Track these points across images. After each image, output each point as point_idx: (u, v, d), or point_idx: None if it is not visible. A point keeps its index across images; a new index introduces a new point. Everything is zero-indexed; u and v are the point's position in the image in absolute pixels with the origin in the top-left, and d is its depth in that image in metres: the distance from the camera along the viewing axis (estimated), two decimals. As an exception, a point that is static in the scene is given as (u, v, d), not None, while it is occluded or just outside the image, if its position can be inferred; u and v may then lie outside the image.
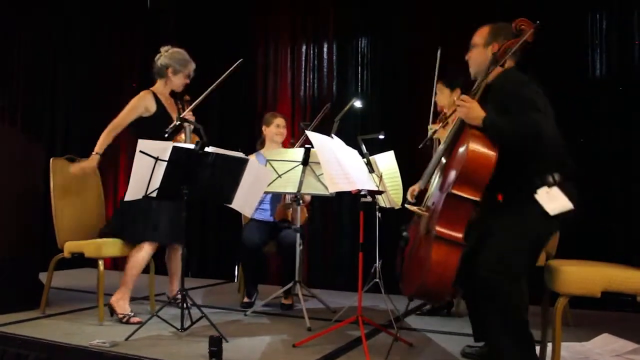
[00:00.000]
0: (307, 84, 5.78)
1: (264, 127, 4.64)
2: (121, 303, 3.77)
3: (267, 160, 3.94)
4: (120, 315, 3.72)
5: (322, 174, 3.78)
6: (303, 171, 3.92)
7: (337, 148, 3.36)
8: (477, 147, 2.44)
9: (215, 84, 3.74)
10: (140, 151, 3.21)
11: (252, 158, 4.45)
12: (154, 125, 3.83)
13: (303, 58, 5.80)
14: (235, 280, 5.60)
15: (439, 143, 3.47)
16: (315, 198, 4.74)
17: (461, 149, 2.52)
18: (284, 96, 5.84)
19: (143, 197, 3.29)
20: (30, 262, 4.19)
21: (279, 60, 5.94)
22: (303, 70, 5.79)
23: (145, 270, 3.90)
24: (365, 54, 5.56)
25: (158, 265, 4.16)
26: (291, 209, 4.31)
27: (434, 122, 3.91)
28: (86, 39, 6.76)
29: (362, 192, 3.39)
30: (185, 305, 3.37)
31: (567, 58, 4.57)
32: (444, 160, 2.74)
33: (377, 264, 4.23)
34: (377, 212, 4.13)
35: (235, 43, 5.92)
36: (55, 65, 6.82)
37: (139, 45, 6.59)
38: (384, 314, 3.95)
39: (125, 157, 6.19)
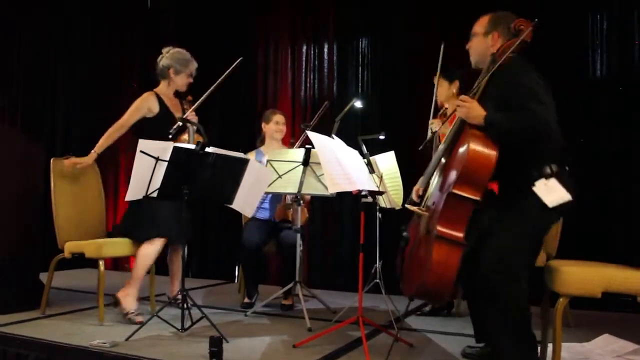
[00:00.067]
0: (308, 84, 5.78)
1: (263, 124, 4.64)
2: (129, 299, 3.77)
3: (268, 161, 3.95)
4: (124, 311, 3.72)
5: (322, 174, 3.78)
6: (303, 171, 3.91)
7: (337, 148, 3.36)
8: (478, 147, 2.45)
9: (216, 83, 3.74)
10: (141, 151, 3.21)
11: (251, 155, 4.49)
12: (157, 126, 3.88)
13: (303, 58, 5.80)
14: (236, 281, 5.60)
15: (439, 140, 3.47)
16: (315, 198, 4.74)
17: (462, 149, 2.52)
18: (284, 96, 5.84)
19: (143, 197, 3.29)
20: (30, 262, 4.19)
21: (279, 60, 5.94)
22: (303, 70, 5.79)
23: (146, 270, 3.90)
24: (366, 54, 5.56)
25: (159, 265, 4.16)
26: (291, 209, 4.31)
27: (434, 117, 3.90)
28: (86, 39, 6.76)
29: (363, 193, 3.39)
30: (185, 305, 3.37)
31: (567, 58, 4.57)
32: (443, 160, 2.74)
33: (378, 264, 4.23)
34: (377, 213, 4.13)
35: (236, 43, 5.92)
36: (55, 65, 6.82)
37: (139, 45, 6.59)
38: (384, 315, 3.95)
39: (126, 157, 6.19)
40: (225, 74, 3.74)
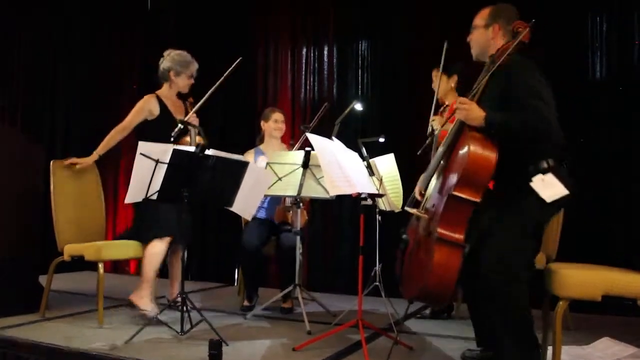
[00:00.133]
0: (308, 86, 5.77)
1: (262, 122, 4.64)
2: (144, 300, 3.78)
3: (268, 163, 3.94)
4: (143, 311, 3.73)
5: (322, 176, 3.77)
6: (303, 174, 3.91)
7: (337, 151, 3.35)
8: (478, 149, 2.45)
9: (216, 85, 3.74)
10: (141, 153, 3.21)
11: (250, 153, 4.48)
12: (158, 129, 3.91)
13: (303, 60, 5.80)
14: (235, 284, 5.60)
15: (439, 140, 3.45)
16: (315, 200, 4.74)
17: (461, 151, 2.52)
18: (284, 98, 5.84)
19: (143, 199, 3.29)
20: (30, 265, 4.18)
21: (279, 61, 5.94)
22: (303, 72, 5.79)
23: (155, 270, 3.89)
24: (366, 56, 5.56)
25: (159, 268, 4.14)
26: (291, 212, 4.30)
27: (435, 114, 3.88)
28: (86, 39, 6.76)
29: (363, 195, 3.38)
30: (185, 308, 3.37)
31: (567, 59, 4.57)
32: (442, 162, 2.74)
33: (377, 267, 4.22)
34: (377, 215, 4.12)
35: (236, 44, 5.92)
36: (55, 65, 6.82)
37: (139, 45, 6.60)
38: (384, 318, 3.94)
39: (126, 160, 6.18)
40: (225, 74, 3.74)
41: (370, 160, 3.81)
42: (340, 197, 3.95)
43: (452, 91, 4.05)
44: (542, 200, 2.46)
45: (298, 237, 3.99)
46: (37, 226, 4.32)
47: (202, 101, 3.81)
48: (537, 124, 2.41)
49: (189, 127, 3.79)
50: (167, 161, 3.24)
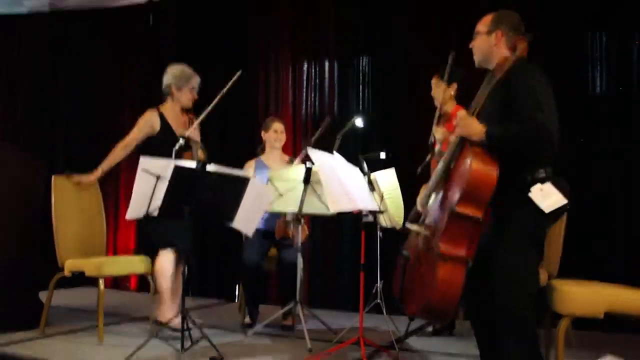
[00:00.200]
0: (309, 102, 5.79)
1: (263, 133, 4.63)
2: (167, 315, 3.80)
3: (269, 179, 3.94)
4: (168, 326, 3.73)
5: (323, 193, 3.77)
6: (304, 190, 3.91)
7: (338, 166, 3.35)
8: (480, 165, 2.44)
9: (217, 99, 3.77)
10: (142, 169, 3.21)
11: (251, 163, 4.48)
12: (159, 144, 3.95)
13: (304, 76, 5.82)
14: (236, 300, 5.57)
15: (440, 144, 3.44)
16: (316, 217, 4.73)
17: (463, 167, 2.52)
18: (285, 113, 5.82)
19: (144, 215, 3.29)
20: (30, 281, 4.16)
21: (281, 77, 5.95)
22: (304, 88, 5.81)
23: (145, 289, 3.89)
24: (367, 72, 5.58)
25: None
26: (291, 226, 4.28)
27: (437, 125, 3.87)
28: (87, 54, 6.79)
29: (364, 212, 3.38)
30: (185, 325, 3.35)
31: (567, 74, 4.59)
32: (443, 177, 2.73)
33: (379, 284, 4.21)
34: (378, 232, 4.12)
35: (237, 60, 5.91)
36: (56, 81, 6.86)
37: (140, 64, 6.60)
38: (385, 335, 3.92)
39: (126, 175, 6.19)
40: (226, 88, 3.76)
41: (371, 175, 3.80)
42: (341, 214, 3.95)
43: (451, 99, 4.05)
44: (541, 211, 2.45)
45: (299, 254, 3.98)
46: (38, 244, 4.31)
47: (202, 115, 3.84)
48: (538, 136, 2.40)
49: (191, 143, 3.81)
50: (169, 177, 3.24)
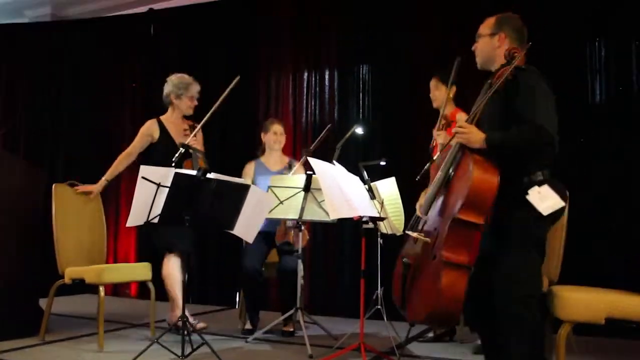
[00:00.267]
0: (309, 110, 5.80)
1: (262, 134, 4.64)
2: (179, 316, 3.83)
3: (269, 187, 3.95)
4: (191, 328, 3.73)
5: (323, 200, 3.78)
6: (305, 197, 3.92)
7: (338, 174, 3.36)
8: (481, 172, 2.46)
9: (215, 106, 3.80)
10: (143, 177, 3.22)
11: (251, 165, 4.50)
12: (158, 152, 4.04)
13: (305, 84, 5.83)
14: (237, 307, 5.56)
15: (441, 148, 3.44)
16: (316, 223, 4.73)
17: (464, 175, 2.53)
18: (286, 122, 5.79)
19: (145, 222, 3.29)
20: (30, 288, 4.17)
21: (281, 86, 5.97)
22: (305, 96, 5.82)
23: (146, 296, 3.90)
24: (367, 80, 5.60)
25: (159, 291, 4.14)
26: (292, 231, 4.28)
27: (440, 129, 3.87)
28: (88, 67, 6.81)
29: (364, 219, 3.38)
30: (186, 331, 3.35)
31: (567, 83, 4.60)
32: (443, 184, 2.73)
33: (379, 290, 4.21)
34: (378, 239, 4.12)
35: (238, 68, 5.92)
36: (59, 91, 6.88)
37: (141, 75, 6.62)
38: (385, 341, 3.91)
39: (127, 183, 6.20)
40: (225, 93, 3.79)
41: (372, 184, 3.81)
42: (341, 220, 3.96)
43: (449, 101, 4.04)
44: (538, 213, 2.46)
45: (299, 260, 3.99)
46: (38, 249, 4.32)
47: (200, 124, 3.89)
48: (538, 138, 2.42)
49: (190, 151, 3.83)
50: (169, 185, 3.25)
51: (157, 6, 6.67)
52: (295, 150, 5.64)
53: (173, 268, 4.01)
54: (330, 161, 3.66)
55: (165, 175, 3.26)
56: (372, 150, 5.31)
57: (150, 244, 4.15)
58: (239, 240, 4.33)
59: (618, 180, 4.42)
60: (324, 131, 4.34)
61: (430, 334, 4.19)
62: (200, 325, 4.02)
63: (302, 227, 4.04)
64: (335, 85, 5.71)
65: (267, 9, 6.08)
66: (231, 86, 3.79)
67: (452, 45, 4.88)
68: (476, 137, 2.52)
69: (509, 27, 2.69)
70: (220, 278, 5.98)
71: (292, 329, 4.27)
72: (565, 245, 3.15)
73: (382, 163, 4.07)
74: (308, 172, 3.91)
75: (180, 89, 4.21)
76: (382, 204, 3.73)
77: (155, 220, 3.28)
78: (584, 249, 4.12)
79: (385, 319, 3.98)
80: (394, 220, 3.88)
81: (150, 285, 4.07)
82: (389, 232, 3.86)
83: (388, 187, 3.94)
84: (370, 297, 4.18)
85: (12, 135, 6.84)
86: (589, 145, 4.54)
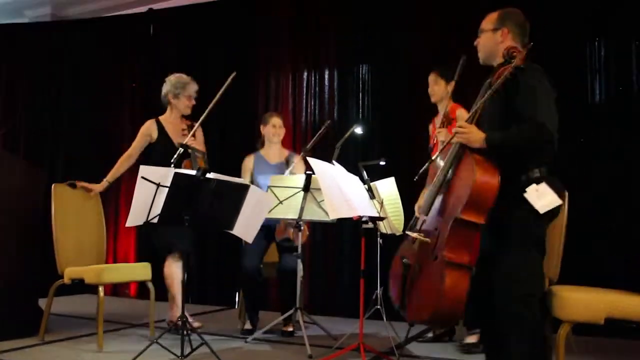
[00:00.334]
0: (309, 110, 5.80)
1: (261, 127, 4.63)
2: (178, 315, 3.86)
3: (269, 187, 3.95)
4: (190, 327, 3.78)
5: (323, 200, 3.78)
6: (304, 197, 3.92)
7: (338, 174, 3.36)
8: (483, 174, 2.46)
9: (212, 104, 3.79)
10: (142, 177, 3.22)
11: (250, 157, 4.50)
12: (157, 152, 4.08)
13: (304, 84, 5.83)
14: (236, 307, 5.56)
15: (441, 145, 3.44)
16: (316, 223, 4.73)
17: (465, 176, 2.53)
18: (285, 121, 5.77)
19: (144, 222, 3.29)
20: (30, 288, 4.17)
21: (281, 86, 5.96)
22: (304, 96, 5.82)
23: (145, 296, 3.90)
24: (366, 80, 5.60)
25: (158, 291, 4.14)
26: (292, 229, 4.28)
27: (441, 127, 3.86)
28: (87, 67, 6.81)
29: (364, 219, 3.38)
30: (185, 331, 3.35)
31: (567, 83, 4.60)
32: (443, 184, 2.73)
33: (379, 290, 4.21)
34: (378, 239, 4.12)
35: (237, 67, 5.89)
36: (59, 91, 6.88)
37: (140, 75, 6.62)
38: (385, 341, 3.91)
39: (126, 183, 6.19)
40: (221, 90, 3.79)
41: (371, 184, 3.81)
42: (341, 220, 3.96)
43: (447, 98, 4.04)
44: (536, 211, 2.46)
45: (299, 260, 3.99)
46: (38, 249, 4.32)
47: (198, 123, 3.91)
48: (538, 136, 2.42)
49: (189, 150, 3.84)
50: (168, 185, 3.24)
51: (156, 6, 6.67)
52: (295, 150, 5.63)
53: (175, 269, 4.04)
54: (329, 161, 3.66)
55: (164, 175, 3.26)
56: (371, 150, 5.31)
57: (149, 244, 4.18)
58: (238, 240, 4.33)
59: (618, 180, 4.42)
60: (323, 127, 4.33)
61: (430, 334, 4.19)
62: (196, 324, 4.04)
63: (302, 228, 4.04)
64: (334, 85, 5.70)
65: (266, 9, 6.08)
66: (227, 83, 3.79)
67: (451, 45, 4.88)
68: (476, 136, 2.52)
69: (511, 22, 2.69)
70: (220, 278, 5.98)
71: (291, 329, 4.27)
72: (565, 245, 3.15)
73: (382, 163, 4.06)
74: (307, 172, 3.91)
75: (178, 89, 4.23)
76: (381, 203, 3.73)
77: (155, 220, 3.28)
78: (584, 249, 4.12)
79: (384, 319, 3.98)
80: (394, 220, 3.88)
81: (150, 286, 4.07)
82: (389, 232, 3.86)
83: (387, 187, 3.94)
84: (369, 297, 4.18)
85: (12, 135, 6.84)
86: (589, 145, 4.55)
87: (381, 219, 3.63)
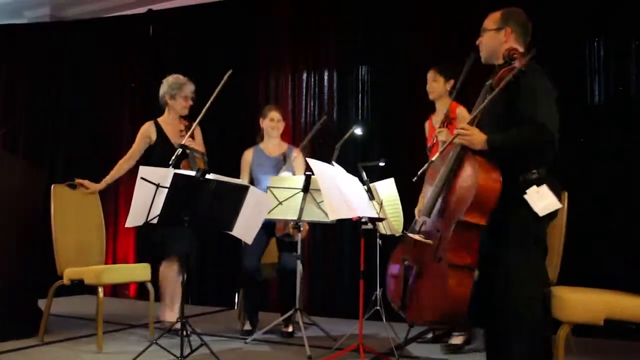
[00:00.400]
0: (308, 111, 5.79)
1: (261, 120, 4.62)
2: (167, 316, 4.07)
3: (268, 187, 3.95)
4: (169, 324, 3.91)
5: (322, 200, 3.78)
6: (304, 198, 3.91)
7: (337, 175, 3.36)
8: (485, 176, 2.47)
9: (208, 103, 3.80)
10: (142, 178, 3.22)
11: (250, 151, 4.51)
12: (156, 154, 4.11)
13: (304, 85, 5.83)
14: (236, 307, 5.56)
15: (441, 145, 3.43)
16: (316, 224, 4.72)
17: (468, 177, 2.53)
18: (285, 122, 5.84)
19: (143, 223, 3.29)
20: (29, 289, 4.16)
21: (280, 86, 5.96)
22: (304, 97, 5.81)
23: (145, 297, 3.90)
24: (366, 81, 5.59)
25: (157, 292, 4.13)
26: (292, 225, 4.26)
27: (442, 126, 3.85)
28: (87, 68, 6.81)
29: (363, 220, 3.37)
30: (185, 332, 3.34)
31: (566, 83, 4.60)
32: (444, 186, 2.73)
33: (378, 291, 4.20)
34: (377, 240, 4.11)
35: (236, 67, 5.89)
36: (59, 91, 6.88)
37: (140, 75, 6.61)
38: (385, 342, 3.91)
39: (126, 183, 6.19)
40: (218, 88, 3.80)
41: (371, 185, 3.81)
42: (340, 221, 3.95)
43: (446, 95, 4.03)
44: (535, 213, 2.46)
45: (299, 261, 3.99)
46: (38, 249, 4.32)
47: (197, 120, 3.92)
48: (539, 136, 2.43)
49: (187, 151, 3.84)
50: (168, 185, 3.24)
51: (156, 7, 6.67)
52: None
53: (170, 272, 4.08)
54: (329, 162, 3.66)
55: (164, 175, 3.26)
56: (371, 150, 5.30)
57: (149, 244, 4.18)
58: (237, 240, 4.33)
59: (618, 180, 4.41)
60: (318, 122, 4.33)
61: (429, 335, 4.18)
62: (170, 318, 4.11)
63: (302, 229, 4.04)
64: (334, 85, 5.70)
65: (266, 9, 6.07)
66: (223, 81, 3.80)
67: (451, 45, 4.88)
68: (478, 138, 2.52)
69: (514, 22, 2.69)
70: (219, 279, 5.98)
71: (291, 330, 4.27)
72: (565, 245, 3.15)
73: (381, 164, 4.06)
74: (307, 173, 3.91)
75: (174, 90, 4.26)
76: (381, 204, 3.72)
77: (155, 221, 3.28)
78: (583, 249, 4.12)
79: (384, 319, 3.98)
80: (393, 221, 3.88)
81: (150, 286, 4.07)
82: (388, 232, 3.85)
83: (387, 188, 3.93)
84: (369, 297, 4.18)
85: (12, 135, 6.84)
86: (589, 145, 4.54)
87: (380, 219, 3.62)
